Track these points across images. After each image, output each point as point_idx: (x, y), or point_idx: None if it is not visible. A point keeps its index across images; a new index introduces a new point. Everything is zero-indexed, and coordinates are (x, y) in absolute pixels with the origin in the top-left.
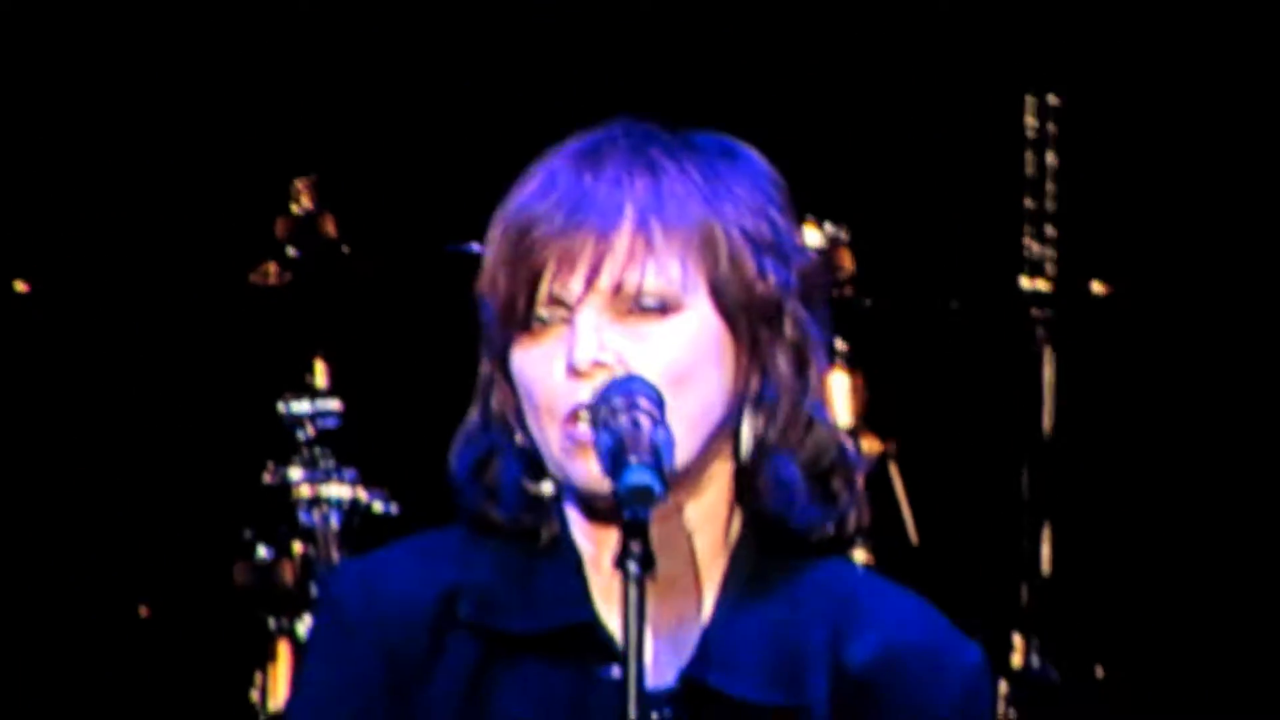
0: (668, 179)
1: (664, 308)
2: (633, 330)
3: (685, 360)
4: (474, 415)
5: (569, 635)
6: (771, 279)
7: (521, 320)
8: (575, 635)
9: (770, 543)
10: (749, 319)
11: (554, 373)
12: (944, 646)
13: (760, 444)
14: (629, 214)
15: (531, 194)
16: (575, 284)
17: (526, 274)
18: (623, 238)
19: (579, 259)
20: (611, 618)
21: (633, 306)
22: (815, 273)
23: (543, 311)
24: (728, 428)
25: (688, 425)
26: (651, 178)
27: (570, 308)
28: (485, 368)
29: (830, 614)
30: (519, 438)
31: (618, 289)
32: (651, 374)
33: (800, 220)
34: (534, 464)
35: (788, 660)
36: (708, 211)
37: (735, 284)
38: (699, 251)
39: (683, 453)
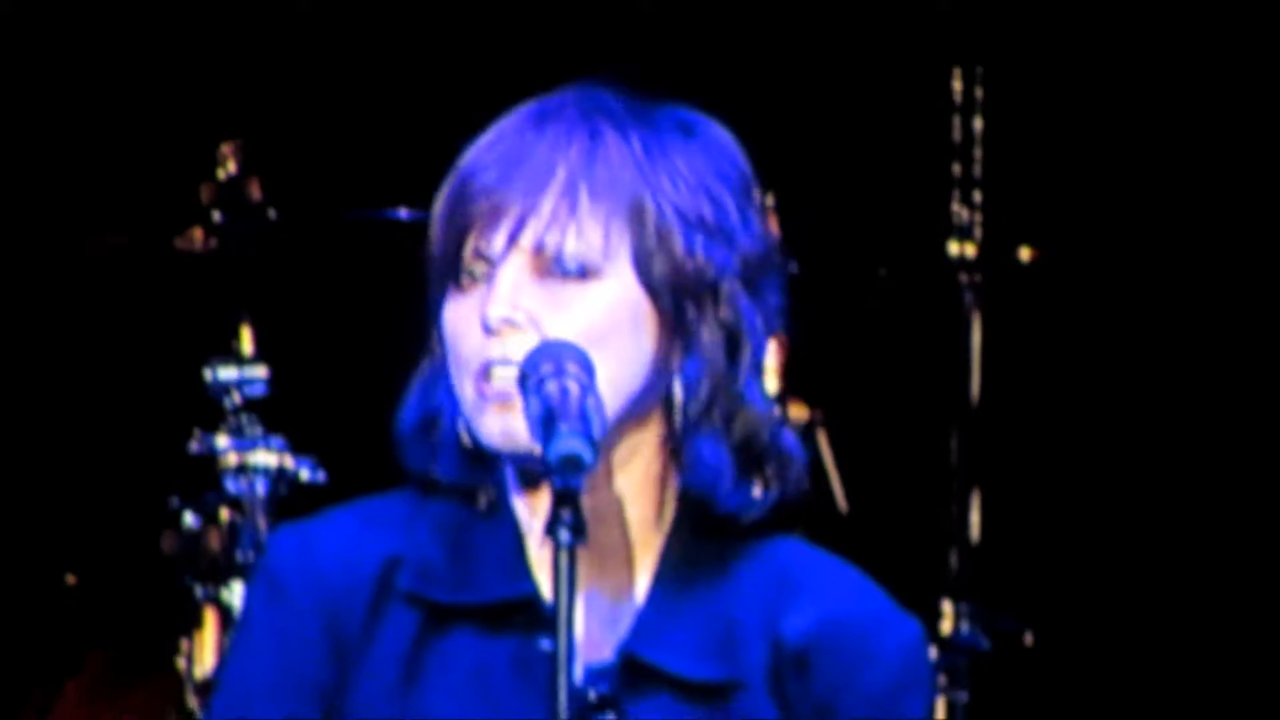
0: (604, 147)
1: (583, 272)
2: (551, 292)
3: (600, 326)
4: (422, 369)
5: (508, 607)
6: (701, 257)
7: (452, 274)
8: (514, 608)
9: (705, 519)
10: (673, 294)
11: (473, 328)
12: (881, 621)
13: (685, 421)
14: (559, 176)
15: (478, 150)
16: (499, 241)
17: (458, 228)
18: (549, 199)
19: (504, 216)
20: (548, 590)
21: (553, 269)
22: (764, 258)
23: (471, 266)
24: (651, 400)
25: (604, 393)
26: (590, 143)
27: (490, 263)
28: (430, 321)
29: (768, 588)
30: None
31: (539, 249)
32: (565, 336)
33: (763, 204)
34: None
35: (724, 635)
36: (639, 183)
37: (660, 258)
38: (625, 222)
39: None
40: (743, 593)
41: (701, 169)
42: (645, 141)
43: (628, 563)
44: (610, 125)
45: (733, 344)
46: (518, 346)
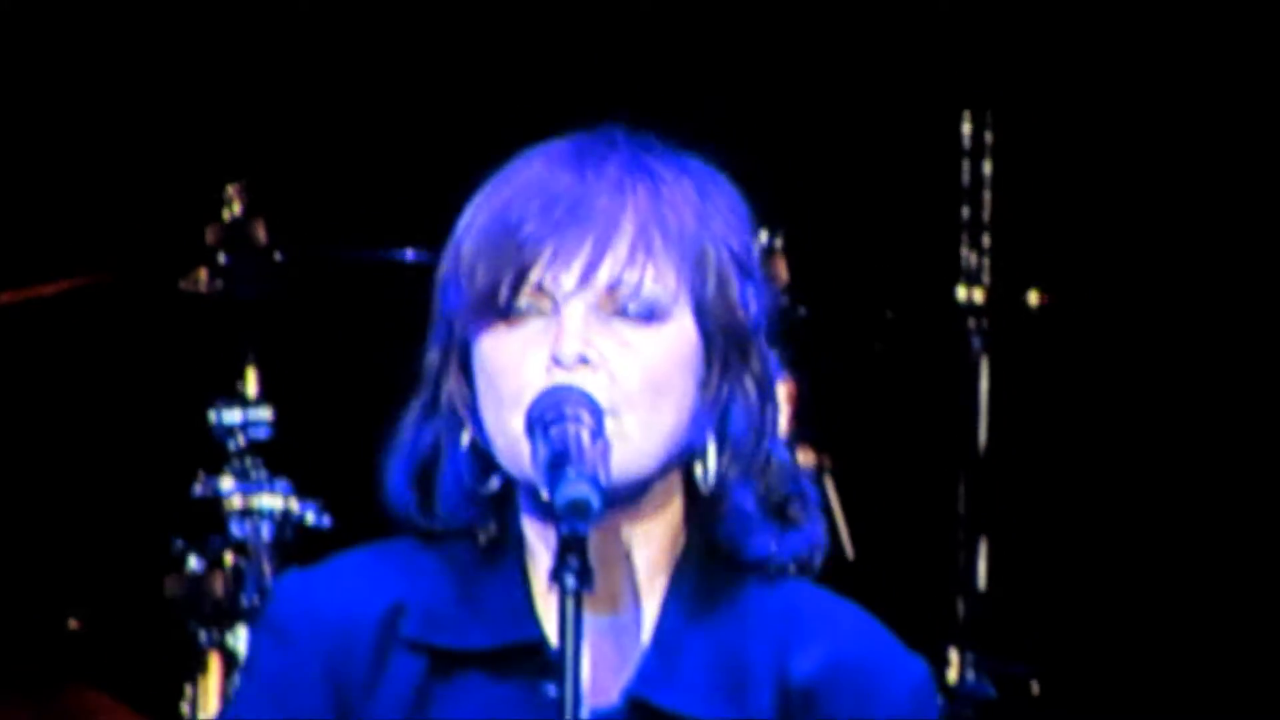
0: (666, 188)
1: (650, 315)
2: (617, 333)
3: (665, 370)
4: (415, 410)
5: (514, 652)
6: (751, 305)
7: (501, 309)
8: (520, 652)
9: (711, 561)
10: (725, 343)
11: (529, 362)
12: (888, 662)
13: (720, 471)
14: (630, 217)
15: (526, 188)
16: (567, 278)
17: (515, 264)
18: (624, 239)
19: (576, 254)
20: (556, 635)
21: (620, 309)
22: (777, 311)
23: (524, 301)
24: (692, 448)
25: (658, 437)
26: (652, 184)
27: (554, 300)
28: (434, 357)
29: (775, 629)
30: (466, 434)
31: (614, 287)
32: (632, 379)
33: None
34: (481, 462)
35: (732, 675)
36: (701, 229)
37: (718, 304)
38: (691, 267)
39: (647, 463)
40: (749, 633)
41: (739, 214)
42: (697, 186)
43: (633, 605)
44: (662, 167)
45: (764, 396)
46: (587, 383)
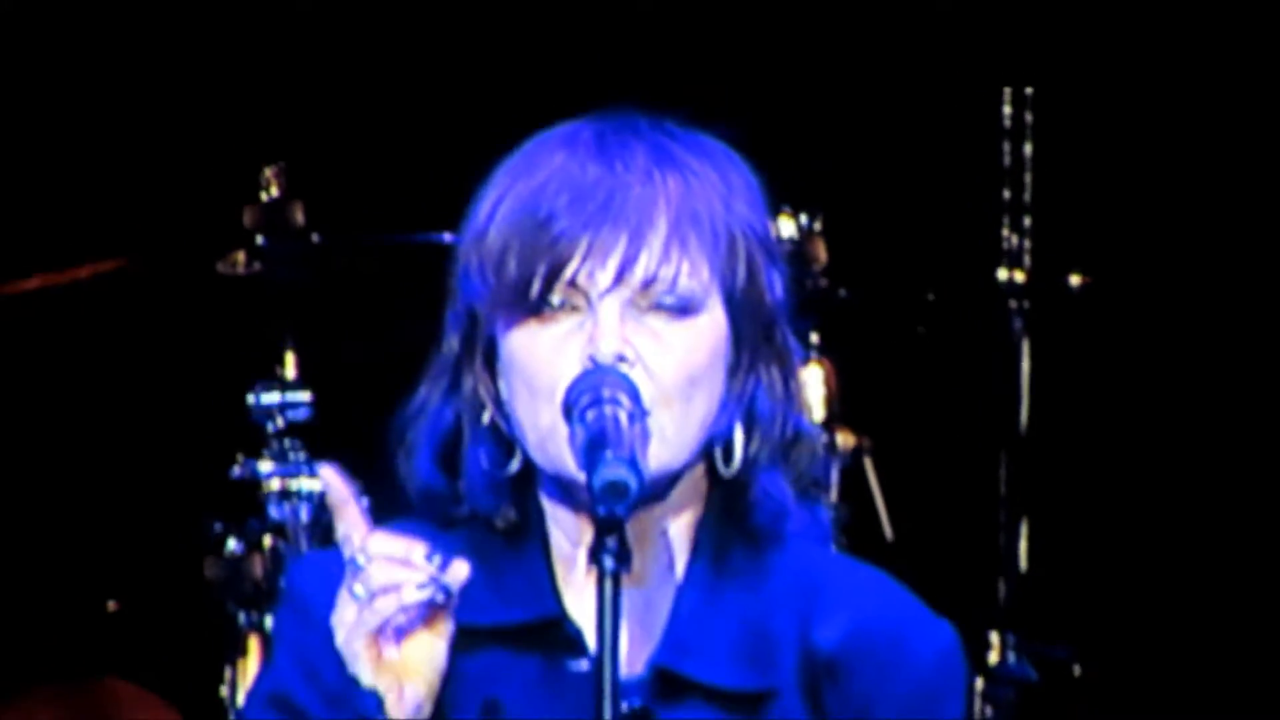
0: (696, 179)
1: (684, 309)
2: (651, 329)
3: (700, 363)
4: (432, 396)
5: (535, 629)
6: (778, 290)
7: (533, 304)
8: (541, 629)
9: (733, 529)
10: (752, 329)
11: (564, 359)
12: (912, 628)
13: (750, 458)
14: (663, 211)
15: (553, 179)
16: (603, 275)
17: (549, 260)
18: (658, 235)
19: (611, 251)
20: (578, 610)
21: (655, 304)
22: (812, 292)
23: (556, 297)
24: (720, 435)
25: (692, 430)
26: (681, 176)
27: (587, 296)
28: (454, 344)
29: (798, 597)
30: (486, 415)
31: (649, 283)
32: (668, 374)
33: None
34: (502, 444)
35: (756, 643)
36: (731, 219)
37: (749, 293)
38: (723, 258)
39: (682, 456)
40: (774, 601)
41: (757, 194)
42: (720, 171)
43: (659, 579)
44: (688, 154)
45: (787, 376)
46: None
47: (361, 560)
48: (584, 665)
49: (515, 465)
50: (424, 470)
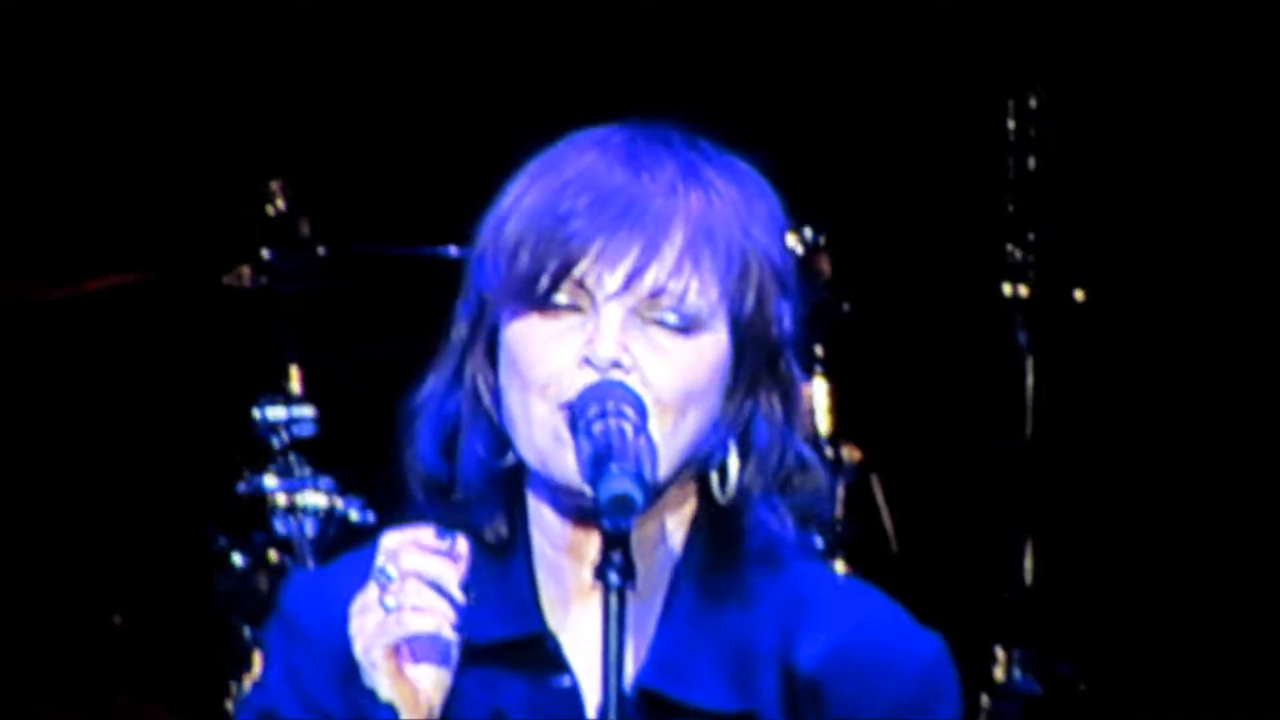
0: (718, 199)
1: (688, 326)
2: (652, 340)
3: (697, 380)
4: (437, 383)
5: (518, 645)
6: (786, 322)
7: (538, 298)
8: (524, 646)
9: (717, 548)
10: (755, 356)
11: (559, 355)
12: (894, 641)
13: (744, 486)
14: (681, 225)
15: (578, 179)
16: (610, 279)
17: (560, 257)
18: (673, 248)
19: (623, 257)
20: (561, 627)
21: (659, 317)
22: (817, 314)
23: (562, 295)
24: (707, 455)
25: (680, 443)
26: (704, 194)
27: (593, 298)
28: (462, 330)
29: (782, 615)
30: (484, 405)
31: (656, 294)
32: (663, 386)
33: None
34: (498, 436)
35: (739, 664)
36: (746, 242)
37: (756, 320)
38: (734, 281)
39: (663, 466)
40: (756, 621)
41: (779, 224)
42: (745, 196)
43: (645, 595)
44: (715, 174)
45: (789, 405)
46: None
47: (392, 571)
48: (566, 682)
49: (510, 459)
50: (426, 456)
